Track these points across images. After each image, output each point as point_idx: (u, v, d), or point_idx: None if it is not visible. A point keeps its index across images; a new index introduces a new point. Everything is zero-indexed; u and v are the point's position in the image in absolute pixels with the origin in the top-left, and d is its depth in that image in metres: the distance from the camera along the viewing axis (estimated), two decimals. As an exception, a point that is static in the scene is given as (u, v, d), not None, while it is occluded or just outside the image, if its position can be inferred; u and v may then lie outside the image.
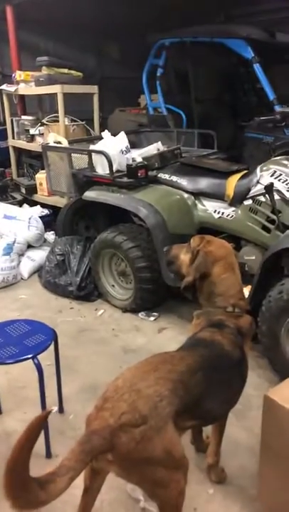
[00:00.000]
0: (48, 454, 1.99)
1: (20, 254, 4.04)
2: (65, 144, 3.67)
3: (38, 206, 4.61)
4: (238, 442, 2.08)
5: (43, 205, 4.62)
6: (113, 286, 3.44)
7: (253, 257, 2.80)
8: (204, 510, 1.74)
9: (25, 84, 4.58)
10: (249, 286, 2.64)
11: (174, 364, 1.44)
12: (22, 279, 3.95)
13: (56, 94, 4.18)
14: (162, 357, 1.50)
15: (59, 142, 3.68)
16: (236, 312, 1.69)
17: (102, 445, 1.23)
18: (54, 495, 1.16)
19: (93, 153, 3.28)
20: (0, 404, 2.29)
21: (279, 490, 1.65)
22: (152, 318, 3.24)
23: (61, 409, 2.29)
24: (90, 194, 3.32)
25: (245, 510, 1.74)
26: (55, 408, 2.28)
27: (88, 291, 3.55)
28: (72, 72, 4.57)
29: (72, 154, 3.43)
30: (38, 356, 1.90)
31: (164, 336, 3.04)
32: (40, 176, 4.61)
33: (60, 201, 4.39)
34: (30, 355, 1.90)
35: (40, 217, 4.36)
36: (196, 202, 3.13)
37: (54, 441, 2.04)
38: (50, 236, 4.40)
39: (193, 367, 1.45)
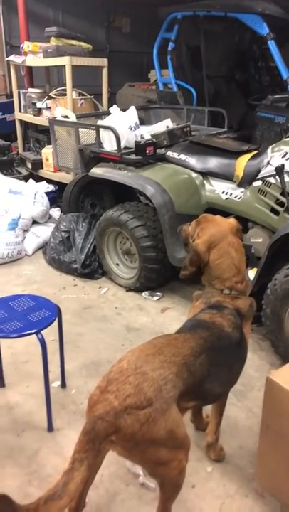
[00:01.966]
0: (50, 428, 2.01)
1: (25, 230, 4.03)
2: (72, 118, 3.60)
3: (44, 182, 4.56)
4: (238, 422, 2.10)
5: (49, 181, 4.57)
6: (117, 264, 3.43)
7: (260, 240, 2.77)
8: (202, 488, 1.76)
9: (33, 55, 4.47)
10: (255, 269, 2.62)
11: (178, 347, 1.44)
12: (26, 254, 3.95)
13: (64, 66, 4.08)
14: (166, 339, 1.50)
15: (66, 116, 3.61)
16: (233, 294, 1.70)
17: (106, 428, 1.24)
18: (75, 493, 1.19)
19: (101, 129, 3.22)
20: (3, 377, 2.31)
21: (276, 471, 1.67)
22: (156, 298, 3.23)
23: (63, 384, 2.31)
24: (97, 171, 3.27)
25: (243, 489, 1.77)
26: (58, 383, 2.30)
27: (92, 269, 3.54)
28: (82, 44, 4.45)
29: (79, 129, 3.36)
30: (42, 332, 1.90)
31: (167, 315, 3.04)
32: (47, 151, 4.55)
33: (66, 177, 4.35)
34: (34, 330, 1.90)
35: (45, 193, 4.32)
36: (204, 182, 3.09)
37: (56, 415, 2.06)
38: (56, 212, 4.37)
39: (197, 350, 1.46)
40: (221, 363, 1.55)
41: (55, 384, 2.29)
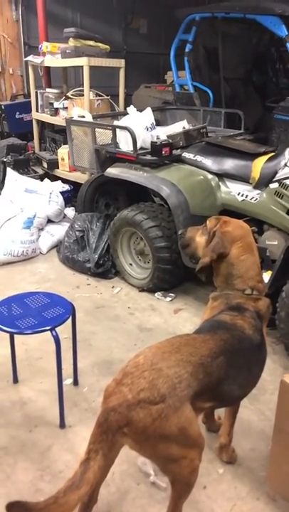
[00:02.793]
0: (62, 425, 2.03)
1: (40, 229, 4.06)
2: (89, 118, 3.62)
3: (59, 181, 4.60)
4: (251, 425, 2.08)
5: (64, 181, 4.61)
6: (131, 264, 3.44)
7: (276, 242, 2.75)
8: (213, 489, 1.76)
9: (52, 56, 4.51)
10: (269, 272, 2.60)
11: (196, 347, 1.44)
12: (41, 253, 3.98)
13: (82, 67, 4.11)
14: (184, 339, 1.50)
15: (83, 116, 3.63)
16: (255, 295, 1.66)
17: (119, 420, 1.26)
18: (94, 479, 1.25)
19: (117, 129, 3.23)
20: (17, 373, 2.33)
21: (288, 473, 1.66)
22: (168, 299, 3.23)
23: (76, 382, 2.32)
24: (113, 171, 3.29)
25: (254, 491, 1.75)
26: (70, 380, 2.31)
27: (106, 269, 3.56)
28: (100, 44, 4.47)
29: (96, 129, 3.38)
30: (56, 329, 1.92)
31: (180, 316, 3.03)
32: (63, 151, 4.58)
33: (82, 177, 4.37)
34: (48, 327, 1.91)
35: (60, 192, 4.36)
36: (220, 183, 3.07)
37: (68, 412, 2.08)
38: (70, 212, 4.40)
39: (215, 351, 1.45)
40: (241, 366, 1.53)
41: (67, 381, 2.30)
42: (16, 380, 2.32)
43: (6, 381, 2.29)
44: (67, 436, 1.98)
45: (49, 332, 1.90)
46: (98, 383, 2.32)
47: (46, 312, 2.04)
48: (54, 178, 4.71)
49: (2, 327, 1.90)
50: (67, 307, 2.08)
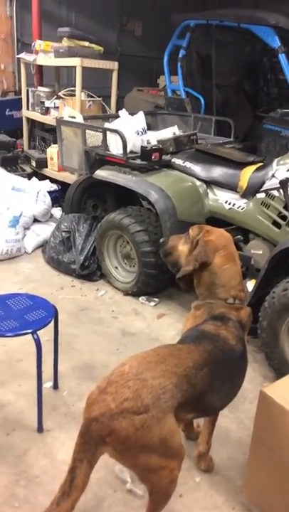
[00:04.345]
0: (40, 429, 2.00)
1: (26, 228, 4.02)
2: (79, 119, 3.61)
3: (47, 181, 4.56)
4: (229, 433, 2.09)
5: (52, 180, 4.57)
6: (116, 268, 3.43)
7: (260, 252, 2.78)
8: (189, 498, 1.76)
9: (45, 54, 4.48)
10: (254, 281, 2.63)
11: (181, 358, 1.44)
12: (26, 252, 3.94)
13: (75, 67, 4.09)
14: (170, 349, 1.50)
15: (74, 117, 3.61)
16: (237, 304, 1.67)
17: (101, 430, 1.27)
18: (83, 485, 1.31)
19: (108, 132, 3.22)
20: (-4, 375, 2.30)
21: (265, 485, 1.67)
22: (153, 304, 3.23)
23: (56, 386, 2.30)
24: (101, 173, 3.27)
25: (230, 501, 1.76)
26: (50, 384, 2.29)
27: (91, 271, 3.54)
28: (93, 46, 4.46)
29: (86, 131, 3.37)
30: (37, 332, 1.89)
31: (163, 322, 3.04)
32: (52, 150, 4.55)
33: (70, 177, 4.35)
34: (29, 330, 1.89)
35: (48, 192, 4.32)
36: (208, 190, 3.09)
37: (47, 416, 2.06)
38: (57, 212, 4.37)
39: (200, 362, 1.45)
40: (224, 377, 1.54)
41: (47, 385, 2.28)
42: (-6, 382, 2.29)
43: (-15, 383, 2.26)
44: (44, 441, 1.96)
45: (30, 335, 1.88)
46: (78, 387, 2.31)
47: (28, 315, 2.02)
48: (42, 177, 4.67)
49: (-18, 328, 1.87)
50: (50, 310, 2.06)
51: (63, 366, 2.40)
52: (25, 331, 1.90)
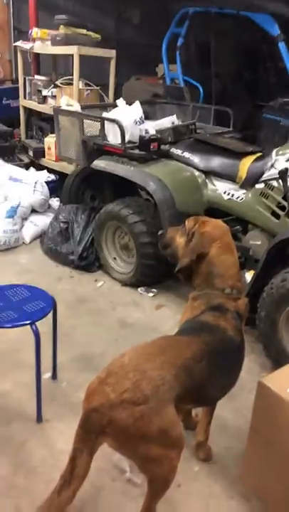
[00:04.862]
0: (39, 419, 2.01)
1: (24, 218, 4.00)
2: (77, 108, 3.56)
3: (45, 171, 4.52)
4: (227, 422, 2.10)
5: (50, 170, 4.53)
6: (115, 258, 3.42)
7: (259, 242, 2.77)
8: (188, 487, 1.77)
9: (42, 42, 4.41)
10: (252, 272, 2.62)
11: (180, 349, 1.45)
12: (23, 243, 3.92)
13: (72, 55, 4.04)
14: (169, 341, 1.51)
15: (71, 106, 3.57)
16: (234, 294, 1.68)
17: (100, 420, 1.28)
18: (83, 474, 1.34)
19: (106, 121, 3.19)
20: (-6, 365, 2.30)
21: (262, 474, 1.68)
22: (151, 295, 3.23)
23: (54, 376, 2.30)
24: (99, 163, 3.25)
25: (228, 490, 1.78)
26: (49, 374, 2.30)
27: (89, 262, 3.53)
28: (91, 33, 4.39)
29: (84, 120, 3.33)
30: (36, 323, 1.89)
31: (162, 313, 3.04)
32: (49, 140, 4.51)
33: (68, 167, 4.31)
34: (28, 322, 1.89)
35: (46, 182, 4.28)
36: (207, 181, 3.07)
37: (45, 406, 2.06)
38: (55, 202, 4.34)
39: (199, 354, 1.46)
40: (223, 368, 1.55)
41: (46, 375, 2.28)
42: (-8, 373, 2.29)
43: (-17, 374, 2.26)
44: (43, 431, 1.97)
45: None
46: (77, 378, 2.31)
47: (27, 306, 2.01)
48: (40, 167, 4.63)
49: (-19, 319, 1.87)
50: (49, 301, 2.06)
51: (62, 357, 2.40)
52: (23, 322, 1.89)
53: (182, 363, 1.40)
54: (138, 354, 1.40)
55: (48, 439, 1.93)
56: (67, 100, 3.65)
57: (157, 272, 3.18)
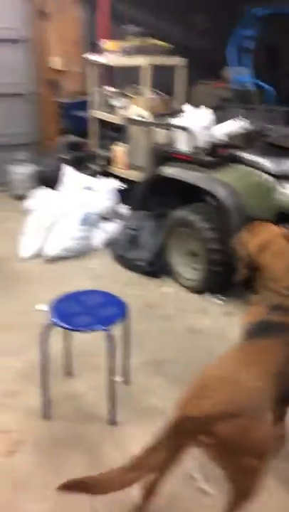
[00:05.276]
0: (113, 421, 2.07)
1: (95, 226, 4.14)
2: (146, 117, 3.64)
3: (114, 179, 4.64)
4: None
5: (119, 178, 4.65)
6: (182, 265, 3.43)
7: None
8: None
9: (112, 54, 4.55)
10: None
11: (270, 355, 1.46)
12: (94, 250, 4.06)
13: (142, 65, 4.12)
14: (255, 347, 1.52)
15: (141, 115, 3.65)
16: None
17: (195, 429, 1.29)
18: (154, 466, 1.35)
19: (175, 129, 3.22)
20: (70, 367, 2.40)
21: None
22: (219, 302, 3.19)
23: (127, 380, 2.36)
24: (168, 170, 3.28)
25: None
26: (121, 378, 2.35)
27: (157, 268, 3.57)
28: (160, 42, 4.46)
29: (153, 128, 3.39)
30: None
31: (230, 320, 2.99)
32: (118, 149, 4.62)
33: (136, 175, 4.39)
34: (103, 327, 1.96)
35: (115, 190, 4.41)
36: (278, 185, 2.98)
37: (118, 410, 2.11)
38: (124, 210, 4.45)
39: (288, 356, 1.46)
40: None
41: (118, 379, 2.34)
42: (68, 374, 2.40)
43: (60, 374, 2.37)
44: (116, 434, 2.02)
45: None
46: (149, 383, 2.35)
47: (101, 311, 2.08)
48: (109, 176, 4.77)
49: (59, 323, 1.97)
50: (122, 307, 2.12)
51: (133, 361, 2.45)
52: (98, 327, 1.96)
53: (277, 369, 1.40)
54: (229, 365, 1.42)
55: (121, 442, 1.98)
56: (137, 110, 3.74)
57: (225, 278, 3.12)
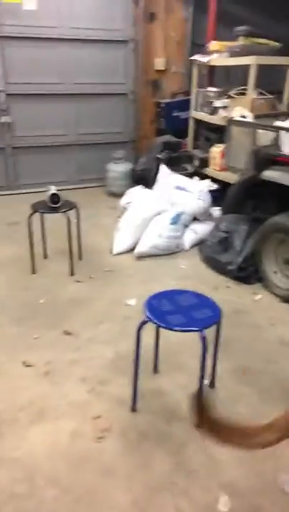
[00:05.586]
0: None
1: (185, 226, 4.15)
2: (250, 118, 3.55)
3: (208, 180, 4.61)
4: None
5: (213, 180, 4.61)
6: (275, 273, 3.30)
7: None
8: None
9: (219, 55, 4.51)
10: None
11: None
12: (183, 249, 4.07)
13: (248, 65, 4.03)
14: None
15: (244, 116, 3.57)
16: None
17: None
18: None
19: (282, 131, 3.09)
20: (157, 364, 2.44)
21: None
22: (314, 315, 3.02)
23: (212, 385, 2.33)
24: (271, 174, 3.17)
25: None
26: (207, 382, 2.33)
27: (248, 274, 3.47)
28: (270, 42, 4.32)
29: (257, 130, 3.29)
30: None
31: None
32: (215, 150, 4.58)
33: (231, 177, 4.31)
34: (196, 328, 1.94)
35: (209, 191, 4.37)
36: None
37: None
38: (216, 211, 4.39)
39: None
40: None
41: (204, 382, 2.31)
42: (156, 371, 2.43)
43: (148, 370, 2.41)
44: (202, 437, 2.00)
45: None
46: (234, 390, 2.29)
47: (195, 312, 2.07)
48: (203, 177, 4.74)
49: (154, 319, 1.99)
50: (216, 311, 2.09)
51: (219, 366, 2.41)
52: (192, 328, 1.95)
53: None
54: None
55: (207, 446, 1.95)
56: (241, 111, 3.66)
57: None
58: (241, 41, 4.27)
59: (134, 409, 2.15)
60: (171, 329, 2.00)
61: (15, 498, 1.72)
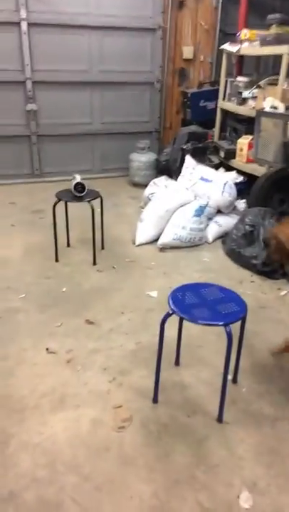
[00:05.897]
0: (220, 419, 2.03)
1: (209, 218, 4.10)
2: (281, 109, 3.45)
3: (234, 172, 4.53)
4: None
5: (239, 172, 4.52)
6: (301, 269, 3.22)
7: None
8: None
9: (249, 43, 4.39)
10: None
11: None
12: (206, 242, 4.02)
13: (280, 55, 3.90)
14: None
15: (275, 107, 3.47)
16: None
17: None
18: None
19: (314, 124, 3.00)
20: (179, 357, 2.42)
21: None
22: None
23: (235, 380, 2.30)
24: (301, 168, 3.08)
25: None
26: (230, 377, 2.30)
27: (273, 268, 3.40)
28: (303, 30, 4.17)
29: (288, 122, 3.20)
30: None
31: None
32: (242, 141, 4.49)
33: (258, 170, 4.22)
34: (222, 322, 1.92)
35: (234, 183, 4.29)
36: None
37: (225, 408, 2.06)
38: (241, 204, 4.32)
39: None
40: None
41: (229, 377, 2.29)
42: (177, 363, 2.41)
43: (170, 362, 2.39)
44: (223, 432, 1.99)
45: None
46: (257, 386, 2.26)
47: (220, 306, 2.04)
48: (228, 168, 4.66)
49: (178, 312, 1.97)
50: (242, 306, 2.05)
51: (242, 362, 2.38)
52: (217, 322, 1.93)
53: None
54: None
55: (229, 441, 1.94)
56: (272, 101, 3.56)
57: None
58: (274, 30, 4.14)
59: (155, 400, 2.14)
60: (195, 322, 1.98)
61: (36, 483, 1.74)
